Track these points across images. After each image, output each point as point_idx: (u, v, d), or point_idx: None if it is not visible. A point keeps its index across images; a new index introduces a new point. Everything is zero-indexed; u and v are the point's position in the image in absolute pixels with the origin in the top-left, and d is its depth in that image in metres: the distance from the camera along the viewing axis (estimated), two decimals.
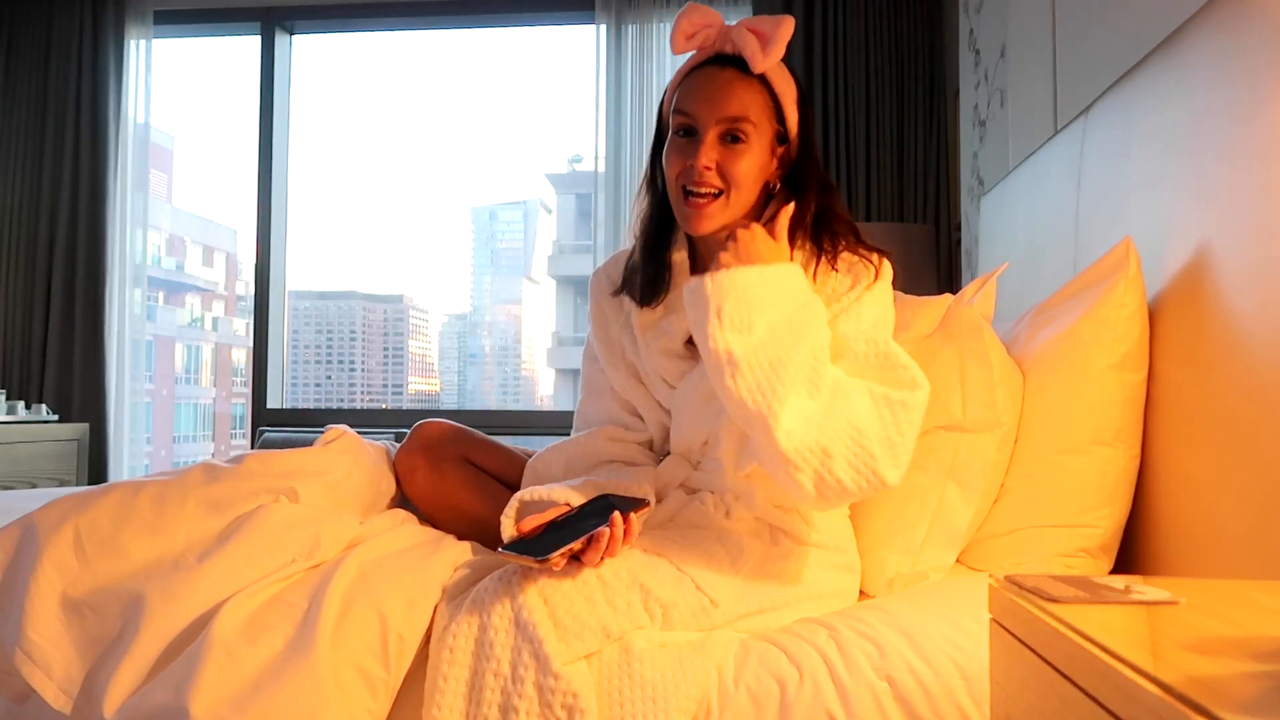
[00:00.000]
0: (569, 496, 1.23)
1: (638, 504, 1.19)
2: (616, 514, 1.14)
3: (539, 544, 1.11)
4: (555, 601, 1.11)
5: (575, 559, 1.14)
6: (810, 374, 1.17)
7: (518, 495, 1.26)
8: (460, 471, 1.41)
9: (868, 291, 1.29)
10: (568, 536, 1.11)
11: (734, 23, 1.33)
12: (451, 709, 1.07)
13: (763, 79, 1.31)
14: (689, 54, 1.38)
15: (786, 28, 1.28)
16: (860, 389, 1.20)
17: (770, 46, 1.28)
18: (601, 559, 1.14)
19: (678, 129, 1.33)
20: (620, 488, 1.29)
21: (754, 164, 1.30)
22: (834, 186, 1.38)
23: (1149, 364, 1.37)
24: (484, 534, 1.36)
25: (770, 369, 1.15)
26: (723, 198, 1.29)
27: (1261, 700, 0.56)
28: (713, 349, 1.16)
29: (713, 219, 1.30)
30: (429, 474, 1.40)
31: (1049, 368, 1.43)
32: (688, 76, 1.35)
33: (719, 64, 1.32)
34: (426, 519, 1.43)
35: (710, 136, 1.29)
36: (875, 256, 1.32)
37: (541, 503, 1.24)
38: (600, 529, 1.12)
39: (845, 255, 1.32)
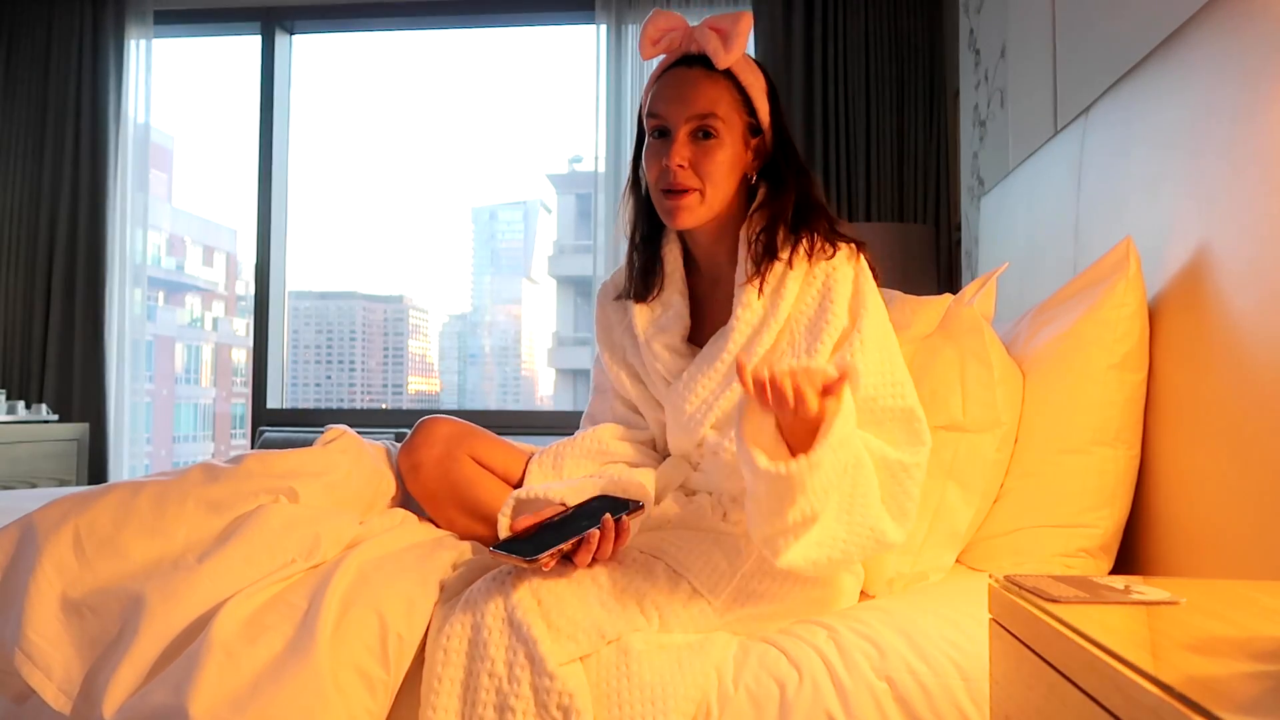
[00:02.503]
0: (565, 495, 1.23)
1: (632, 507, 1.19)
2: (607, 516, 1.14)
3: (530, 544, 1.11)
4: (549, 603, 1.11)
5: (566, 559, 1.14)
6: (847, 501, 1.16)
7: (514, 493, 1.26)
8: (465, 468, 1.41)
9: (865, 312, 1.30)
10: (559, 537, 1.11)
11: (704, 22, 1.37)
12: (447, 709, 1.07)
13: (728, 74, 1.35)
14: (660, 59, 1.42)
15: (745, 23, 1.33)
16: (872, 469, 1.18)
17: (731, 42, 1.33)
18: (592, 561, 1.14)
19: (652, 131, 1.37)
20: (619, 488, 1.29)
21: (726, 158, 1.34)
22: (810, 173, 1.41)
23: (1149, 364, 1.37)
24: (487, 531, 1.36)
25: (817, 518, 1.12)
26: (697, 194, 1.33)
27: (1261, 700, 0.56)
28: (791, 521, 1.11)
29: (692, 212, 1.34)
30: (433, 470, 1.40)
31: (1049, 368, 1.43)
32: (658, 80, 1.39)
33: (686, 64, 1.37)
34: (428, 517, 1.42)
35: (681, 135, 1.33)
36: (848, 245, 1.35)
37: (538, 501, 1.24)
38: (590, 530, 1.12)
39: (822, 252, 1.34)
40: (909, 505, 1.22)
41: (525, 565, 1.10)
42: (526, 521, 1.16)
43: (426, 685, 1.09)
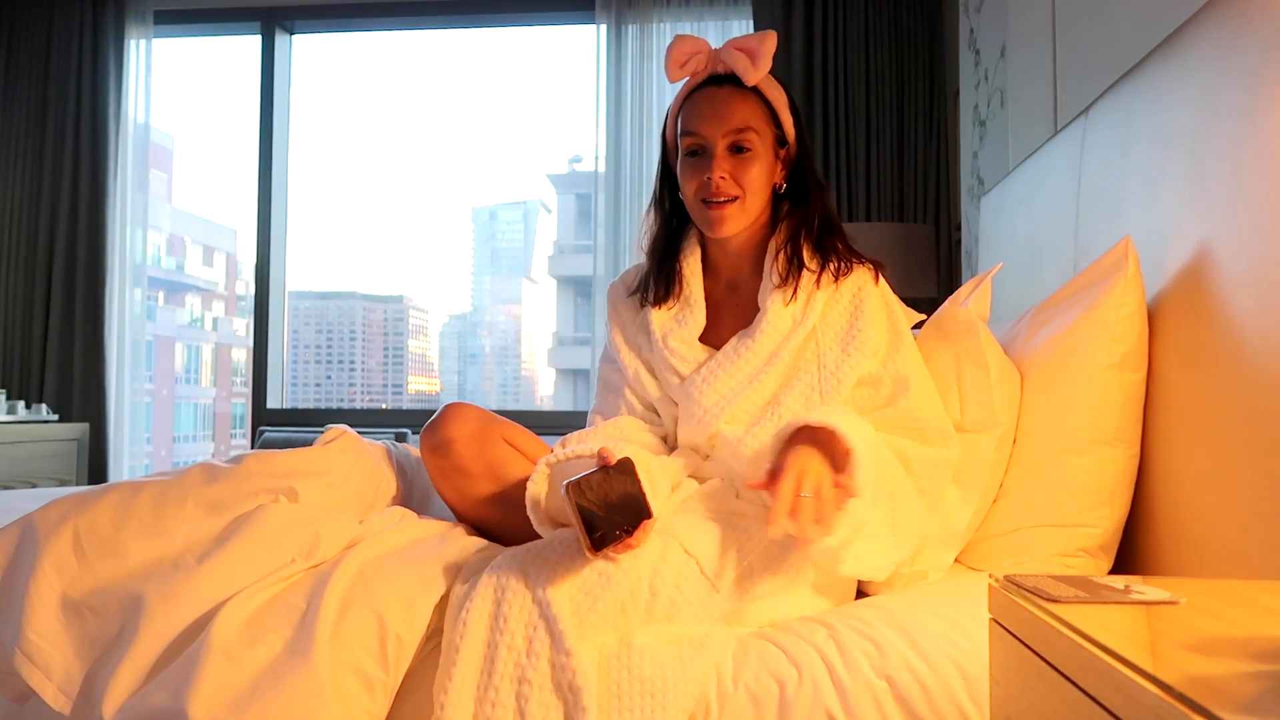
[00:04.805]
0: (593, 445, 1.23)
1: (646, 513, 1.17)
2: (647, 523, 1.12)
3: (594, 521, 1.08)
4: (570, 580, 1.13)
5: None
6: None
7: (544, 459, 1.25)
8: (499, 448, 1.38)
9: (902, 329, 1.40)
10: (613, 519, 1.08)
11: (722, 43, 1.46)
12: (464, 679, 1.08)
13: (756, 91, 1.44)
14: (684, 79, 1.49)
15: (770, 42, 1.42)
16: (906, 479, 1.30)
17: (758, 60, 1.41)
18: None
19: (688, 150, 1.43)
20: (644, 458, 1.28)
21: (762, 169, 1.42)
22: (826, 186, 1.51)
23: (1149, 364, 1.37)
24: (512, 514, 1.32)
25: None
26: (738, 202, 1.41)
27: (1261, 700, 0.56)
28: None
29: (733, 220, 1.41)
30: (468, 446, 1.36)
31: (1048, 368, 1.43)
32: (688, 100, 1.46)
33: (715, 84, 1.44)
34: (430, 514, 1.41)
35: (720, 150, 1.40)
36: (870, 265, 1.45)
37: (570, 461, 1.24)
38: (630, 540, 1.10)
39: (847, 270, 1.43)
40: (937, 492, 1.34)
41: (589, 551, 1.09)
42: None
43: (445, 656, 1.10)
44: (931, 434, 1.34)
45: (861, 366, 1.37)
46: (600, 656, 1.11)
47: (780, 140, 1.45)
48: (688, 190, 1.43)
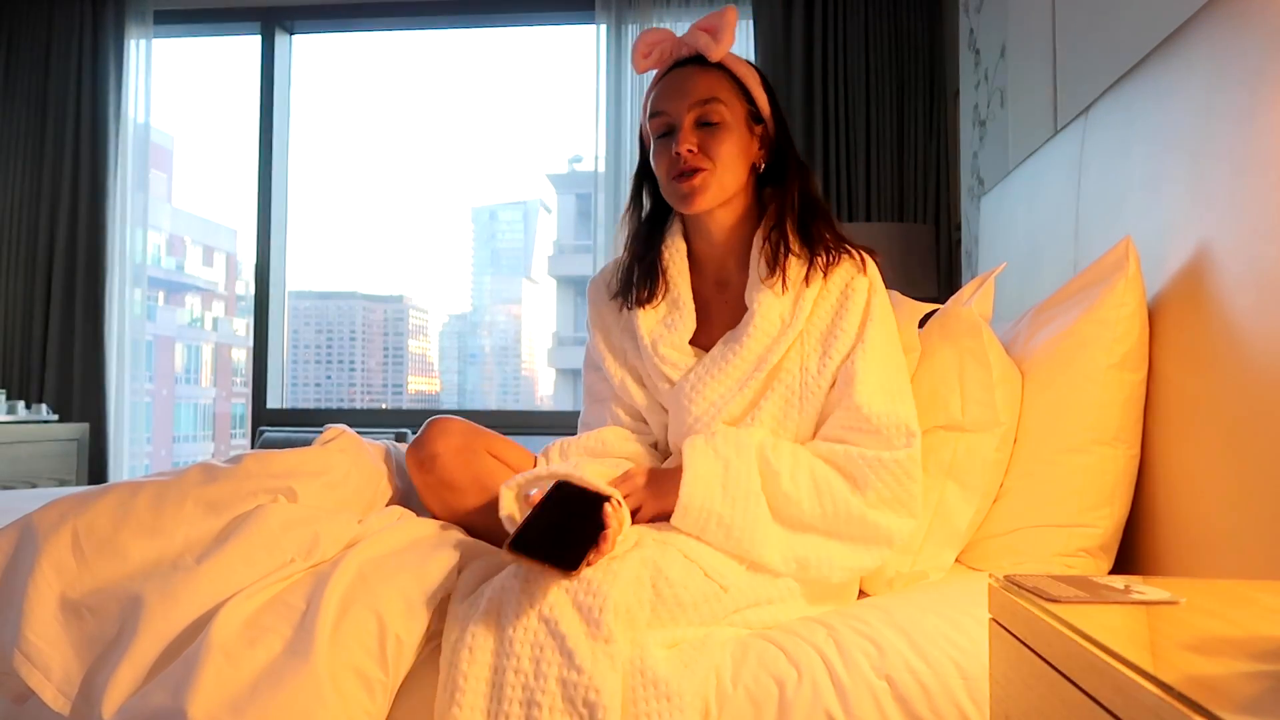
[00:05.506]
0: (555, 468, 1.25)
1: (602, 498, 1.17)
2: (610, 508, 1.13)
3: (542, 542, 1.09)
4: (575, 589, 1.11)
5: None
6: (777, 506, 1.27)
7: (505, 485, 1.25)
8: (486, 460, 1.39)
9: (870, 322, 1.36)
10: (579, 538, 1.10)
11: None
12: (473, 708, 1.06)
13: (722, 67, 1.41)
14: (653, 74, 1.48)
15: (731, 16, 1.40)
16: (843, 474, 1.29)
17: (720, 35, 1.39)
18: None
19: (657, 132, 1.40)
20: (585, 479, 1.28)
21: (733, 142, 1.38)
22: (809, 168, 1.47)
23: (1149, 364, 1.37)
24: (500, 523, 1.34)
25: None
26: (708, 173, 1.36)
27: (1261, 700, 0.56)
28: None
29: (704, 192, 1.37)
30: (454, 460, 1.37)
31: (1049, 367, 1.43)
32: (656, 86, 1.44)
33: (680, 66, 1.42)
34: (441, 514, 1.40)
35: (687, 123, 1.37)
36: (859, 254, 1.41)
37: (530, 481, 1.24)
38: (608, 528, 1.12)
39: (836, 261, 1.39)
40: (903, 495, 1.29)
41: (561, 576, 1.10)
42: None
43: (450, 682, 1.08)
44: (890, 432, 1.29)
45: (836, 368, 1.35)
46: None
47: (755, 117, 1.42)
48: (660, 172, 1.40)
